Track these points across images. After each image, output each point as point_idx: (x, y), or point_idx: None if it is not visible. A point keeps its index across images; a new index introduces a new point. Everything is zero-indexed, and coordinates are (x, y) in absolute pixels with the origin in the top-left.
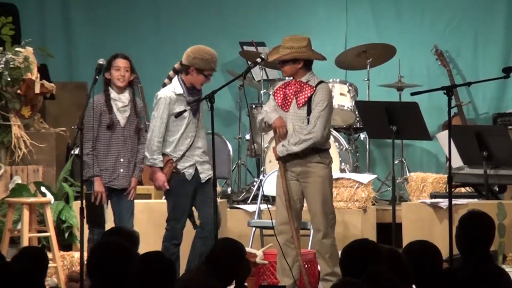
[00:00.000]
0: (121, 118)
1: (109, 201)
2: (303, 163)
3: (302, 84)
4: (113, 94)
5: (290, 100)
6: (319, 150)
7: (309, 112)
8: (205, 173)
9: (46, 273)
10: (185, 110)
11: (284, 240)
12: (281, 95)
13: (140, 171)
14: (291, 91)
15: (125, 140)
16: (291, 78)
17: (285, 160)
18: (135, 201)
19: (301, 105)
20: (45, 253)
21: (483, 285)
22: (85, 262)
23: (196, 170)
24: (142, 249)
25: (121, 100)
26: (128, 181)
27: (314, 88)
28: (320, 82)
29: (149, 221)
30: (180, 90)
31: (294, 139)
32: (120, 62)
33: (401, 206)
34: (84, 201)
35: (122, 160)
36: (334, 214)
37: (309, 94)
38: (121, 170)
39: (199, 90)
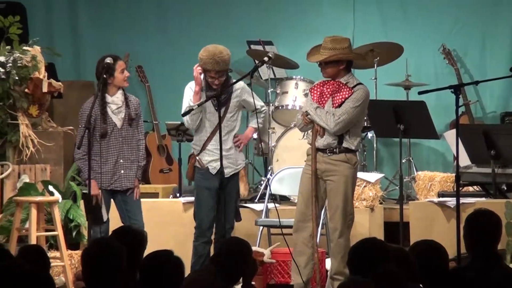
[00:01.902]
0: (117, 120)
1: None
2: (328, 161)
3: (341, 85)
4: (107, 98)
5: (326, 98)
6: (346, 149)
7: None
8: (230, 168)
9: (49, 270)
10: (192, 109)
11: (301, 238)
12: (318, 92)
13: (141, 169)
14: (328, 89)
15: (123, 141)
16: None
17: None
18: (143, 200)
19: (336, 105)
20: (44, 251)
21: (491, 284)
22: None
23: (222, 164)
24: (150, 248)
25: (114, 102)
26: (131, 182)
27: (352, 91)
28: (358, 84)
29: (156, 220)
30: (193, 85)
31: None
32: (123, 64)
33: (409, 205)
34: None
35: (122, 161)
36: (353, 215)
37: (346, 95)
38: (122, 172)
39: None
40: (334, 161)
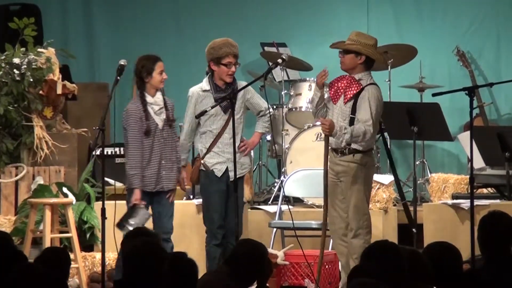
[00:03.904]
0: (159, 121)
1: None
2: (339, 162)
3: (353, 81)
4: (148, 98)
5: (340, 93)
6: (355, 150)
7: (353, 110)
8: (237, 171)
9: (68, 273)
10: (205, 111)
11: (335, 239)
12: (334, 87)
13: (180, 171)
14: (342, 84)
15: (165, 142)
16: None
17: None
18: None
19: (347, 100)
20: (68, 254)
21: (506, 286)
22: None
23: (227, 167)
24: None
25: (156, 103)
26: (172, 183)
27: (362, 87)
28: (371, 83)
29: None
30: (207, 86)
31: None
32: (162, 65)
33: (422, 207)
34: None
35: (163, 162)
36: (368, 216)
37: (355, 91)
38: (164, 172)
39: (230, 86)
40: (344, 162)
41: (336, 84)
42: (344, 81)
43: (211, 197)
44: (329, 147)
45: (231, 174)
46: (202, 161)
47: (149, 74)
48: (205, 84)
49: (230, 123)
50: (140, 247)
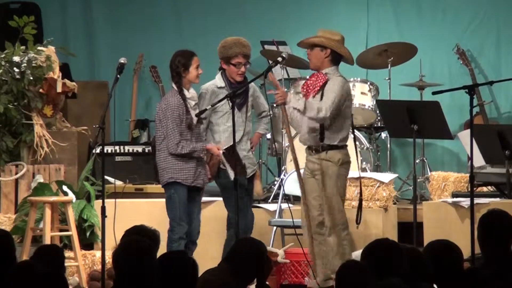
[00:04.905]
0: (193, 115)
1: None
2: (314, 160)
3: (320, 75)
4: (185, 92)
5: (310, 90)
6: (329, 146)
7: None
8: (250, 168)
9: (64, 269)
10: (205, 109)
11: (309, 237)
12: (305, 86)
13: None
14: (311, 81)
15: (198, 137)
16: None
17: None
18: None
19: (315, 93)
20: (61, 250)
21: (506, 284)
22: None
23: (245, 164)
24: (163, 249)
25: (193, 99)
26: (206, 179)
27: (326, 78)
28: (338, 76)
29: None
30: (221, 83)
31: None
32: (198, 60)
33: (422, 205)
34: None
35: (199, 157)
36: (343, 213)
37: (321, 83)
38: (200, 168)
39: (243, 83)
40: (318, 159)
41: (306, 83)
42: (313, 78)
43: (230, 193)
44: (305, 145)
45: (248, 171)
46: (222, 159)
47: (186, 68)
48: (219, 81)
49: (240, 120)
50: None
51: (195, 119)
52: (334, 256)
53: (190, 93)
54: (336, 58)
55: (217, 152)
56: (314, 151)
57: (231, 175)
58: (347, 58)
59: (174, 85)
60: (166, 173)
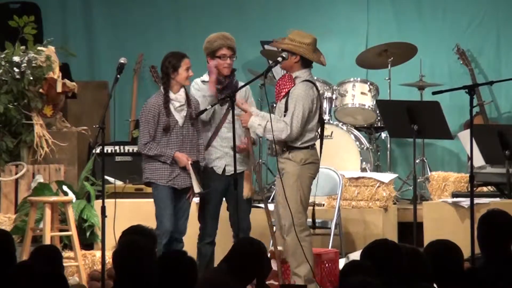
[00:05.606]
0: (179, 117)
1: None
2: (280, 160)
3: (289, 79)
4: (170, 94)
5: (277, 93)
6: (290, 147)
7: (286, 108)
8: (239, 165)
9: (63, 270)
10: (205, 109)
11: (278, 236)
12: (277, 86)
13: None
14: (279, 83)
15: (183, 139)
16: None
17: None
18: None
19: (281, 97)
20: (58, 249)
21: (506, 284)
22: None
23: (226, 162)
24: None
25: (177, 100)
26: (189, 181)
27: (292, 85)
28: (304, 81)
29: None
30: (207, 77)
31: (268, 125)
32: (189, 62)
33: (422, 205)
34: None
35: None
36: (302, 214)
37: (287, 89)
38: (179, 170)
39: (229, 77)
40: (282, 159)
41: (277, 83)
42: (281, 81)
43: (209, 195)
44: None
45: (228, 168)
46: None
47: (175, 70)
48: (205, 76)
49: (228, 117)
50: (126, 247)
51: (181, 121)
52: (290, 257)
53: (177, 94)
54: (307, 61)
55: (184, 162)
56: (281, 152)
57: (196, 188)
58: (317, 62)
59: (161, 86)
60: (144, 173)
